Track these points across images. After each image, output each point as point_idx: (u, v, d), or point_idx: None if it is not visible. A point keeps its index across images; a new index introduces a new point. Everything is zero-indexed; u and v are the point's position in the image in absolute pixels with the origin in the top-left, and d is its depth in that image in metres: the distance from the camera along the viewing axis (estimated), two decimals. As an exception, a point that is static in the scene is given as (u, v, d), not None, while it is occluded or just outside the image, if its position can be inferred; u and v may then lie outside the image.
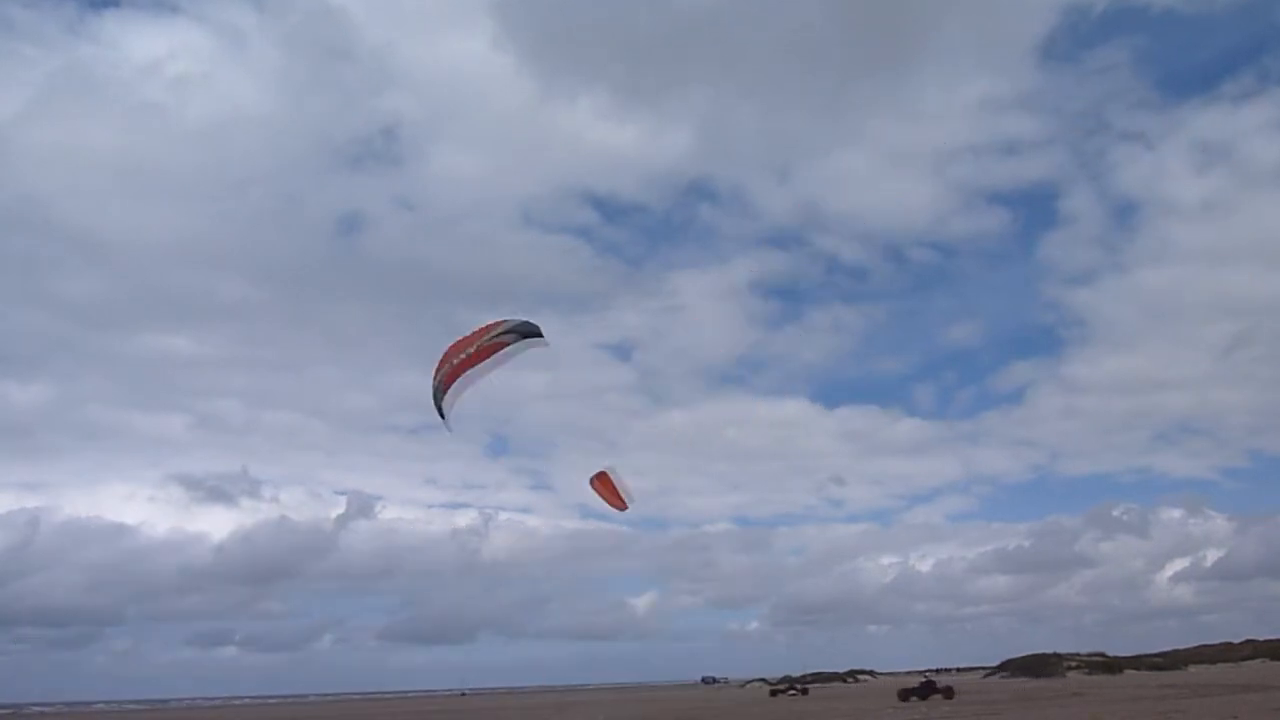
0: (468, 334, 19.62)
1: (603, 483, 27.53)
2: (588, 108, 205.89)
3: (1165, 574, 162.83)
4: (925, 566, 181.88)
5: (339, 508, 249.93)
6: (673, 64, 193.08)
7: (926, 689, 51.91)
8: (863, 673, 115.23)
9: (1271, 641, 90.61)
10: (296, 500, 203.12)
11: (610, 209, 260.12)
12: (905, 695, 50.88)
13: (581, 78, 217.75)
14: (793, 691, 68.89)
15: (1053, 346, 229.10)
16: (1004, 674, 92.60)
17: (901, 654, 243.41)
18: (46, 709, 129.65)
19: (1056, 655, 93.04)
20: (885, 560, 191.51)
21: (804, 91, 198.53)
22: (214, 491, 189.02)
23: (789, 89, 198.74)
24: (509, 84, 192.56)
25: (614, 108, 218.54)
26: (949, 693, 51.02)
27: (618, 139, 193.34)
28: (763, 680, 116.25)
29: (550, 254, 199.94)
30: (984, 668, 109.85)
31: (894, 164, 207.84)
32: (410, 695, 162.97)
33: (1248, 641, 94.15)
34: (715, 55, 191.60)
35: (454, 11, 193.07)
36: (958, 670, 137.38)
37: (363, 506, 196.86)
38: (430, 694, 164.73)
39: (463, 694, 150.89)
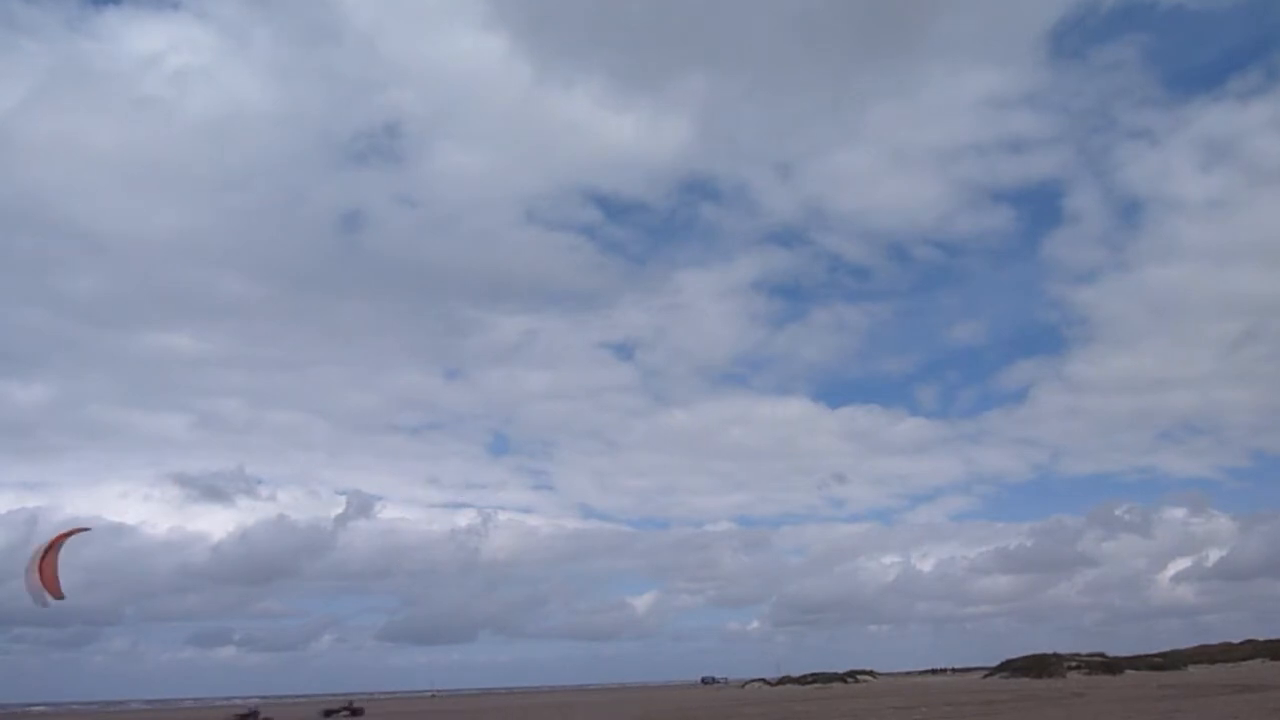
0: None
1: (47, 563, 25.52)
2: (585, 96, 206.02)
3: (1167, 574, 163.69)
4: (927, 566, 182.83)
5: (339, 507, 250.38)
6: (671, 51, 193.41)
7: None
8: (863, 673, 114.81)
9: (1271, 641, 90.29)
10: (297, 499, 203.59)
11: (613, 207, 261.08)
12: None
13: (578, 65, 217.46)
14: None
15: (1056, 345, 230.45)
16: (1004, 674, 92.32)
17: (902, 654, 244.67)
18: (46, 709, 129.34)
19: (1056, 655, 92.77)
20: (887, 560, 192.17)
21: (806, 85, 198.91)
22: (214, 491, 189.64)
23: (790, 82, 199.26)
24: (506, 76, 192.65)
25: (612, 96, 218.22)
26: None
27: (617, 132, 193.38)
28: (763, 681, 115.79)
29: (553, 251, 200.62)
30: (984, 668, 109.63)
31: (898, 161, 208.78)
32: (383, 696, 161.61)
33: (1248, 641, 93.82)
34: (715, 45, 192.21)
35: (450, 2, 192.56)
36: (953, 670, 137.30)
37: (363, 506, 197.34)
38: (402, 695, 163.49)
39: (432, 695, 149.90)
